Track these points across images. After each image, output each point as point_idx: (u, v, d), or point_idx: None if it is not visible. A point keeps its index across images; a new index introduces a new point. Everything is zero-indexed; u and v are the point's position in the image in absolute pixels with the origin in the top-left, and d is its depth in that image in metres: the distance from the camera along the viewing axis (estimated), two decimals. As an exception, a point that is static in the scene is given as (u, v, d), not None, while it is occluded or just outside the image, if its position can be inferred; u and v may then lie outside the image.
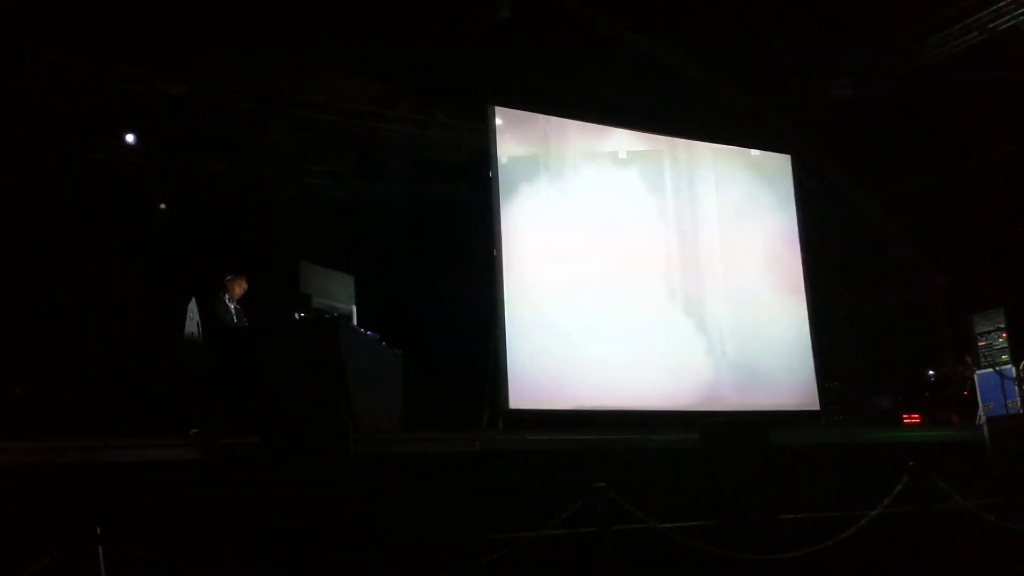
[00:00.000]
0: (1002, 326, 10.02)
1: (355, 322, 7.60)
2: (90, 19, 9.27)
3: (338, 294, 7.52)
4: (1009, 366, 9.65)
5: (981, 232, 13.15)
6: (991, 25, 10.93)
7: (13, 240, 8.98)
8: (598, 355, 9.28)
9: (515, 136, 9.64)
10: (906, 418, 12.90)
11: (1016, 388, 9.48)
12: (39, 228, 9.24)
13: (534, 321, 9.10)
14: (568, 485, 5.64)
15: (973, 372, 10.53)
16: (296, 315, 7.04)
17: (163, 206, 10.68)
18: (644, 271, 9.90)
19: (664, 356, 9.70)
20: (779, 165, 11.33)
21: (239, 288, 8.02)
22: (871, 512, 6.22)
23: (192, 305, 7.31)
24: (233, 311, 7.91)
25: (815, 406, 10.52)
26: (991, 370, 9.81)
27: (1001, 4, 10.71)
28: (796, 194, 11.25)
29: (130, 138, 10.40)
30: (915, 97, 12.05)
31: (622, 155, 10.18)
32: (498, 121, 9.55)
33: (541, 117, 9.88)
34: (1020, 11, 10.67)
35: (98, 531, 4.35)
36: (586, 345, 9.28)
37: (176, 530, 4.74)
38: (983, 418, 9.56)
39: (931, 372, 13.87)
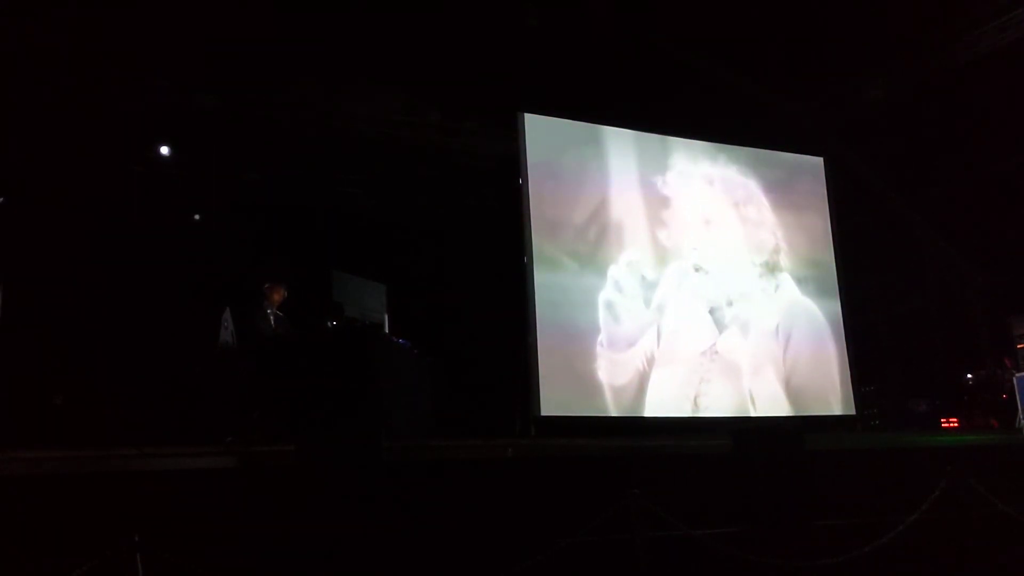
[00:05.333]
0: (1042, 328, 9.90)
1: (387, 330, 7.65)
2: (125, 32, 9.42)
3: (370, 303, 7.57)
4: (1050, 369, 9.53)
5: (1019, 232, 12.95)
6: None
7: (50, 251, 9.12)
8: (630, 360, 9.25)
9: (545, 142, 9.64)
10: (944, 422, 12.77)
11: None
12: (75, 239, 9.37)
13: (565, 327, 9.08)
14: (601, 491, 5.62)
15: (1012, 375, 10.40)
16: (328, 324, 7.10)
17: (197, 217, 10.81)
18: (675, 276, 9.84)
19: (697, 361, 9.64)
20: (812, 168, 11.27)
21: (278, 295, 8.10)
22: (908, 518, 6.15)
23: (227, 315, 7.39)
24: (272, 318, 7.99)
25: (851, 410, 10.41)
26: (1031, 373, 9.69)
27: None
28: (829, 197, 11.18)
29: (165, 150, 10.55)
30: (949, 97, 11.91)
31: (653, 158, 10.16)
32: (528, 128, 9.56)
33: (572, 123, 9.87)
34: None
35: (136, 539, 4.40)
36: (618, 351, 9.24)
37: (212, 538, 4.78)
38: (1023, 422, 9.44)
39: (969, 375, 13.72)
